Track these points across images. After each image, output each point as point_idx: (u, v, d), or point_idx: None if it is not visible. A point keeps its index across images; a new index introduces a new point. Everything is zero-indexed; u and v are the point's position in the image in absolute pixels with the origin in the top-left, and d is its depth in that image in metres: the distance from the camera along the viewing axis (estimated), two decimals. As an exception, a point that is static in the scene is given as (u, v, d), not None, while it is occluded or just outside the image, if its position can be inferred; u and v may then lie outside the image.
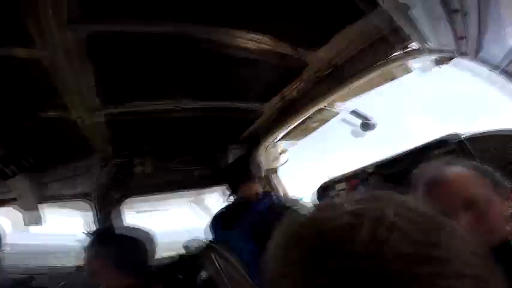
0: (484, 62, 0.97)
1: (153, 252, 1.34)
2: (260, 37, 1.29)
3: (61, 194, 1.90)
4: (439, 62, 1.17)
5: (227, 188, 1.68)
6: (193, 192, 2.32)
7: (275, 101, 1.69)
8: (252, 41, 1.30)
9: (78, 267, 1.73)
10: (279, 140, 2.00)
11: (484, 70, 1.00)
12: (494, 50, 0.89)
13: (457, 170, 0.83)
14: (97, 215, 1.87)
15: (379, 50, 1.25)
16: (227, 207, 1.62)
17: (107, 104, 1.41)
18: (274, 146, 2.02)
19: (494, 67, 0.94)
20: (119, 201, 1.91)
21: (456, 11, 0.80)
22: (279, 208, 1.42)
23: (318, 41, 1.33)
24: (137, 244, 1.28)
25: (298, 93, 1.61)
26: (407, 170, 1.44)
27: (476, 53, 0.97)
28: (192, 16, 1.14)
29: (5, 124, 1.34)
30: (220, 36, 1.24)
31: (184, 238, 1.89)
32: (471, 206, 0.77)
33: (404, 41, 1.15)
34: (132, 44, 1.14)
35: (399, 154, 1.58)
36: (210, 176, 2.03)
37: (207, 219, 1.73)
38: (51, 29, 0.90)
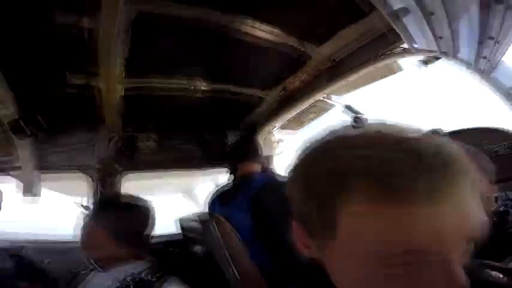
0: (462, 61, 1.15)
1: (153, 224, 1.32)
2: (272, 28, 1.46)
3: (62, 165, 1.95)
4: (426, 62, 1.37)
5: (228, 168, 1.78)
6: (188, 176, 2.41)
7: (277, 91, 1.85)
8: (264, 31, 1.46)
9: (70, 243, 1.70)
10: (277, 129, 2.15)
11: (462, 69, 1.18)
12: (468, 50, 1.08)
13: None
14: (98, 188, 1.92)
15: (373, 49, 1.43)
16: (227, 185, 1.72)
17: (130, 77, 1.55)
18: (272, 134, 2.17)
19: (469, 66, 1.13)
20: (121, 175, 1.98)
21: (432, 13, 0.99)
22: (276, 183, 1.54)
23: (323, 37, 1.50)
24: (139, 214, 1.26)
25: (299, 85, 1.78)
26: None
27: (454, 53, 1.15)
28: (214, 3, 1.30)
29: (34, 86, 1.44)
30: (236, 24, 1.39)
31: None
32: None
33: (396, 41, 1.34)
34: (164, 26, 1.31)
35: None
36: (208, 156, 2.16)
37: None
38: (110, 4, 1.05)
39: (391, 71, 1.53)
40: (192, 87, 1.75)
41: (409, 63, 1.43)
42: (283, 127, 2.14)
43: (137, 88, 1.67)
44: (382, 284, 0.32)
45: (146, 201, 1.33)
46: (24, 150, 1.75)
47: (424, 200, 0.31)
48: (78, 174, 2.00)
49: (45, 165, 1.88)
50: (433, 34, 1.10)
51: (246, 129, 2.12)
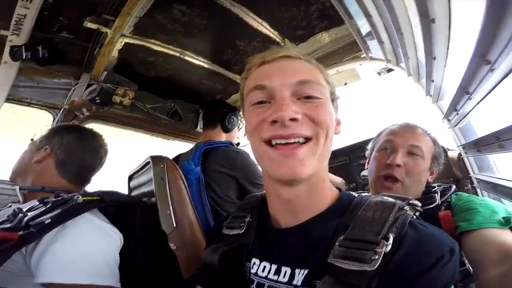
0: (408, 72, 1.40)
1: (101, 165, 1.29)
2: (262, 20, 1.69)
3: (31, 98, 1.95)
4: (380, 73, 1.66)
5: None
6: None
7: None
8: (255, 21, 1.69)
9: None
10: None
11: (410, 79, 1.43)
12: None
13: (422, 128, 1.13)
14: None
15: (342, 55, 1.74)
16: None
17: (135, 34, 1.74)
18: (243, 123, 2.30)
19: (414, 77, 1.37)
20: (85, 121, 1.99)
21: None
22: (231, 147, 1.65)
23: (301, 37, 1.78)
24: (93, 147, 1.23)
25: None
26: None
27: (397, 62, 1.43)
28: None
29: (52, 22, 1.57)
30: (235, 9, 1.60)
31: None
32: (412, 154, 1.05)
33: (358, 51, 1.64)
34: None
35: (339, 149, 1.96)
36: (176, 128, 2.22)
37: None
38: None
39: (351, 79, 1.82)
40: (182, 57, 1.92)
41: (365, 73, 1.73)
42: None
43: (135, 46, 1.83)
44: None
45: (104, 140, 1.31)
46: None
47: None
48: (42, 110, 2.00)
49: (15, 94, 1.88)
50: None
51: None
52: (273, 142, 0.58)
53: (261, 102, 0.62)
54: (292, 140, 0.57)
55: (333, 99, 0.67)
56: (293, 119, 0.57)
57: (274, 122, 0.58)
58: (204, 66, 2.00)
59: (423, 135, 1.11)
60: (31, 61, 1.69)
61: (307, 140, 0.58)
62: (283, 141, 0.57)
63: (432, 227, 0.56)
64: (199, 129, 2.47)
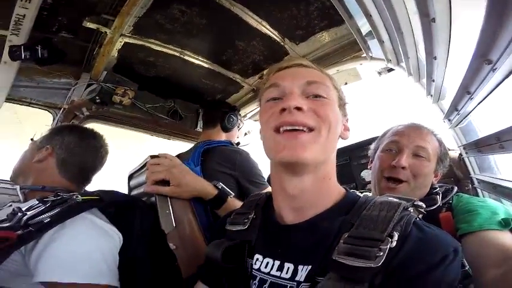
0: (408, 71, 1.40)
1: (102, 165, 1.30)
2: (261, 19, 1.68)
3: (31, 98, 1.96)
4: (380, 73, 1.65)
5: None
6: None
7: (254, 79, 2.05)
8: (254, 20, 1.68)
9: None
10: (247, 119, 2.29)
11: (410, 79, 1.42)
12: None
13: (428, 129, 1.11)
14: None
15: (342, 54, 1.73)
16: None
17: (134, 34, 1.74)
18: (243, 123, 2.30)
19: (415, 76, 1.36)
20: (85, 121, 1.99)
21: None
22: (231, 147, 1.63)
23: (301, 37, 1.77)
24: (93, 147, 1.24)
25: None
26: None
27: (398, 62, 1.43)
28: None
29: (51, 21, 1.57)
30: (234, 8, 1.59)
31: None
32: (418, 155, 1.04)
33: (358, 50, 1.63)
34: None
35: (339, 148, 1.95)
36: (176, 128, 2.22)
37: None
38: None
39: (351, 78, 1.81)
40: (182, 56, 1.91)
41: (366, 72, 1.72)
42: (254, 117, 2.30)
43: (135, 46, 1.82)
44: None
45: (105, 141, 1.31)
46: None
47: None
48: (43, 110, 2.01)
49: (15, 94, 1.88)
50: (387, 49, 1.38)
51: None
52: (281, 130, 0.64)
53: (274, 99, 0.69)
54: (297, 127, 0.63)
55: (341, 104, 0.72)
56: (298, 108, 0.63)
57: (282, 110, 0.65)
58: (204, 66, 2.00)
59: (429, 135, 1.09)
60: (30, 61, 1.69)
61: (311, 130, 0.64)
62: (289, 127, 0.63)
63: (436, 228, 0.57)
64: (199, 128, 2.47)
